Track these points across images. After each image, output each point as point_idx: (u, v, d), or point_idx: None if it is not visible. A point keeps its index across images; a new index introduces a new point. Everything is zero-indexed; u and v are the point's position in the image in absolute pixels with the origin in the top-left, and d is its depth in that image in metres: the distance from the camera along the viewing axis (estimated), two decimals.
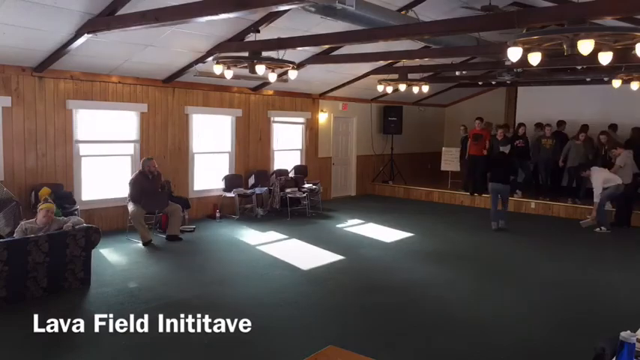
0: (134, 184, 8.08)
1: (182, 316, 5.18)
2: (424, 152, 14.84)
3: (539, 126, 11.96)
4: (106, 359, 4.35)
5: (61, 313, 5.13)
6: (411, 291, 6.16)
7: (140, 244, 7.80)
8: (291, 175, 11.21)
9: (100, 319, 5.09)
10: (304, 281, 6.43)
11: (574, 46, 4.63)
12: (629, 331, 2.41)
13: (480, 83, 12.78)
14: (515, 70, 9.63)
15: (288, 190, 10.40)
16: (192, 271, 6.73)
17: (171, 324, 4.97)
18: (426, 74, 11.15)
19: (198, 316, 5.18)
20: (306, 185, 10.93)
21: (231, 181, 10.32)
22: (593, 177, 9.25)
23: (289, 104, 11.60)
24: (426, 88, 11.02)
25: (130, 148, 8.97)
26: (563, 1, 7.02)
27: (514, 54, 5.08)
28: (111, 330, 4.84)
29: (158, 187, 8.25)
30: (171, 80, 9.08)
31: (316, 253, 7.73)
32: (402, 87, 10.65)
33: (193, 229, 8.90)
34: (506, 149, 11.12)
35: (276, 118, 11.39)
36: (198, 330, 4.82)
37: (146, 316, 5.18)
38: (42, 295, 5.48)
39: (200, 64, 8.46)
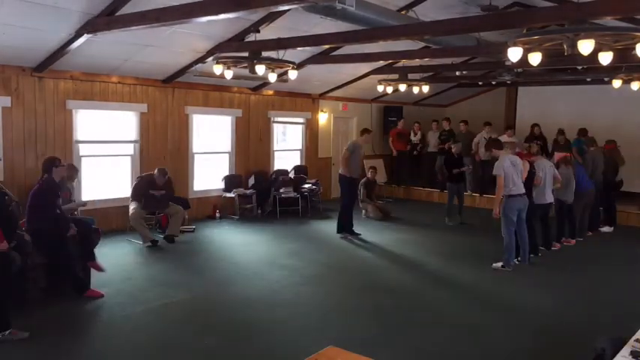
0: (139, 183, 8.10)
1: (182, 316, 5.20)
2: (424, 152, 14.81)
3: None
4: (105, 359, 4.34)
5: (60, 314, 5.14)
6: (410, 291, 6.16)
7: (141, 245, 7.80)
8: (291, 175, 11.21)
9: (100, 320, 5.11)
10: (304, 281, 6.42)
11: (574, 46, 4.64)
12: None
13: (480, 83, 12.78)
14: (515, 70, 9.62)
15: (281, 190, 10.40)
16: (192, 272, 6.73)
17: (171, 324, 4.98)
18: (426, 74, 11.15)
19: (198, 316, 5.20)
20: (306, 185, 10.93)
21: (231, 182, 10.33)
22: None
23: (289, 104, 11.60)
24: (426, 88, 11.03)
25: (130, 149, 8.97)
26: (563, 1, 7.02)
27: (514, 54, 5.08)
28: (111, 330, 4.85)
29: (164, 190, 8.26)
30: (171, 80, 9.08)
31: (315, 253, 7.73)
32: (402, 87, 10.65)
33: (193, 229, 8.90)
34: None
35: (276, 118, 11.39)
36: (198, 330, 4.83)
37: (146, 316, 5.19)
38: (41, 296, 5.46)
39: (200, 64, 8.46)
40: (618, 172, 9.58)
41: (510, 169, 6.74)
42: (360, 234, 8.84)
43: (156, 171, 8.24)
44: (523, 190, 6.85)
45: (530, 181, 7.22)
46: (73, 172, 6.88)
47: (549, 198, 7.69)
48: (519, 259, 7.12)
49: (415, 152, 13.14)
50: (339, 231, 8.80)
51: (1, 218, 4.71)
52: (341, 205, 8.92)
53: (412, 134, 13.17)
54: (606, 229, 9.44)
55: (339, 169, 8.94)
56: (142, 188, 8.09)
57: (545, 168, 7.62)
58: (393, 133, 13.09)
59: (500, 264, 6.93)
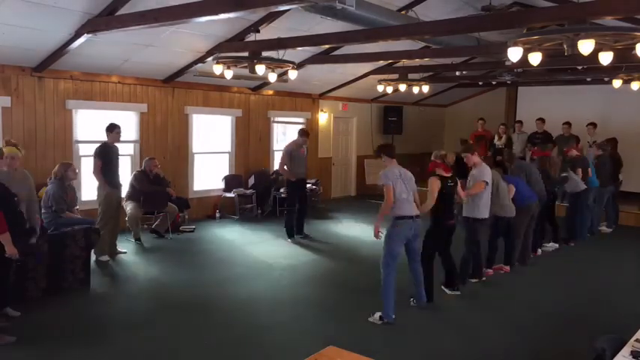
0: (134, 182, 8.12)
1: (182, 316, 5.20)
2: (425, 152, 14.83)
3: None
4: None
5: (60, 314, 5.14)
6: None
7: (133, 241, 7.96)
8: None
9: (100, 320, 5.11)
10: (304, 281, 6.42)
11: (574, 46, 4.63)
12: None
13: (480, 83, 12.78)
14: (515, 70, 9.62)
15: (281, 190, 10.39)
16: (192, 271, 6.73)
17: (172, 324, 4.98)
18: (426, 74, 11.15)
19: (199, 316, 5.19)
20: (306, 185, 10.91)
21: (231, 182, 10.32)
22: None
23: (289, 104, 11.60)
24: (426, 88, 11.02)
25: (130, 148, 8.95)
26: (564, 1, 7.02)
27: (514, 54, 5.08)
28: (111, 331, 4.85)
29: (161, 187, 8.28)
30: (171, 80, 9.08)
31: (314, 253, 7.73)
32: (402, 87, 10.65)
33: (193, 229, 8.90)
34: None
35: (276, 118, 11.39)
36: (198, 330, 4.83)
37: (146, 316, 5.19)
38: (41, 296, 5.47)
39: (200, 64, 8.46)
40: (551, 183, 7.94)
41: (399, 181, 5.17)
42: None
43: (143, 164, 8.40)
44: (416, 212, 5.22)
45: (449, 197, 5.70)
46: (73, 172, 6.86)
47: (481, 213, 6.17)
48: (414, 300, 5.58)
49: (499, 158, 10.55)
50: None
51: (10, 218, 4.65)
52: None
53: (497, 137, 11.99)
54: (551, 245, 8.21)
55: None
56: (140, 181, 8.12)
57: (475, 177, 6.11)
58: (472, 137, 11.72)
59: (378, 315, 5.14)
